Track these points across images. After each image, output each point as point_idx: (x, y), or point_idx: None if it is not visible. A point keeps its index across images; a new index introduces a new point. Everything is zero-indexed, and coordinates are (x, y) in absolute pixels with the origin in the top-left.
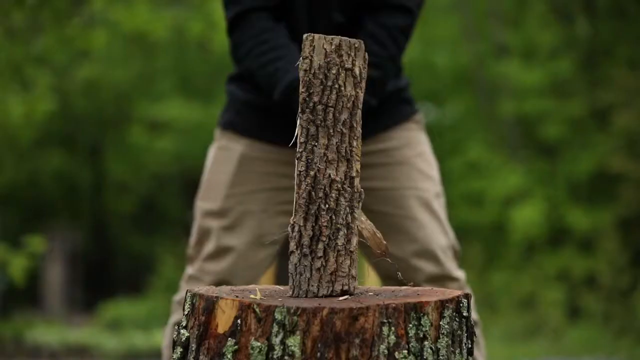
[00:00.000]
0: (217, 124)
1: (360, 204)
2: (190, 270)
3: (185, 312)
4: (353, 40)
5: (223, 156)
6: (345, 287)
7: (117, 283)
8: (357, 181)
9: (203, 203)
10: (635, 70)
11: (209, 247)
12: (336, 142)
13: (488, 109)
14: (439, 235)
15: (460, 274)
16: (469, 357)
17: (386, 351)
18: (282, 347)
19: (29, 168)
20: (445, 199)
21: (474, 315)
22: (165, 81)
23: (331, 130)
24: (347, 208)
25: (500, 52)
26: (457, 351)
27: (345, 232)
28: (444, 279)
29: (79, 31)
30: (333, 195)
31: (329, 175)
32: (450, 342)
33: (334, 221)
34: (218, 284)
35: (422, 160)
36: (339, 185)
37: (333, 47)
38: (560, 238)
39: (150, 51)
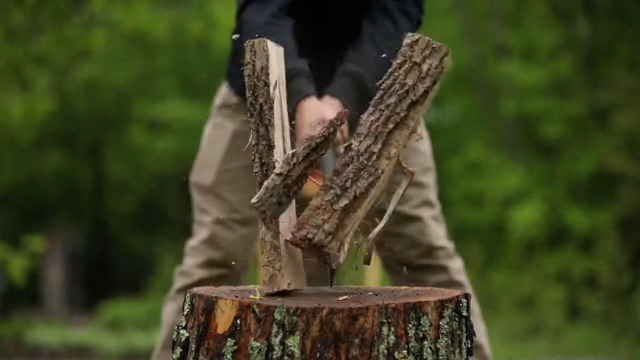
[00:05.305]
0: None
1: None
2: (192, 242)
3: (185, 313)
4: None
5: (216, 133)
6: (310, 236)
7: (117, 283)
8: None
9: (196, 178)
10: (635, 70)
11: (204, 225)
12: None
13: (488, 109)
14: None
15: (443, 242)
16: (469, 357)
17: (386, 351)
18: (281, 348)
19: (29, 168)
20: (441, 193)
21: (474, 307)
22: (165, 81)
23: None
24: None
25: (500, 52)
26: (457, 351)
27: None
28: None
29: (79, 31)
30: None
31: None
32: (449, 342)
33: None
34: (209, 262)
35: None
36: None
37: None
38: (560, 238)
39: (150, 51)
